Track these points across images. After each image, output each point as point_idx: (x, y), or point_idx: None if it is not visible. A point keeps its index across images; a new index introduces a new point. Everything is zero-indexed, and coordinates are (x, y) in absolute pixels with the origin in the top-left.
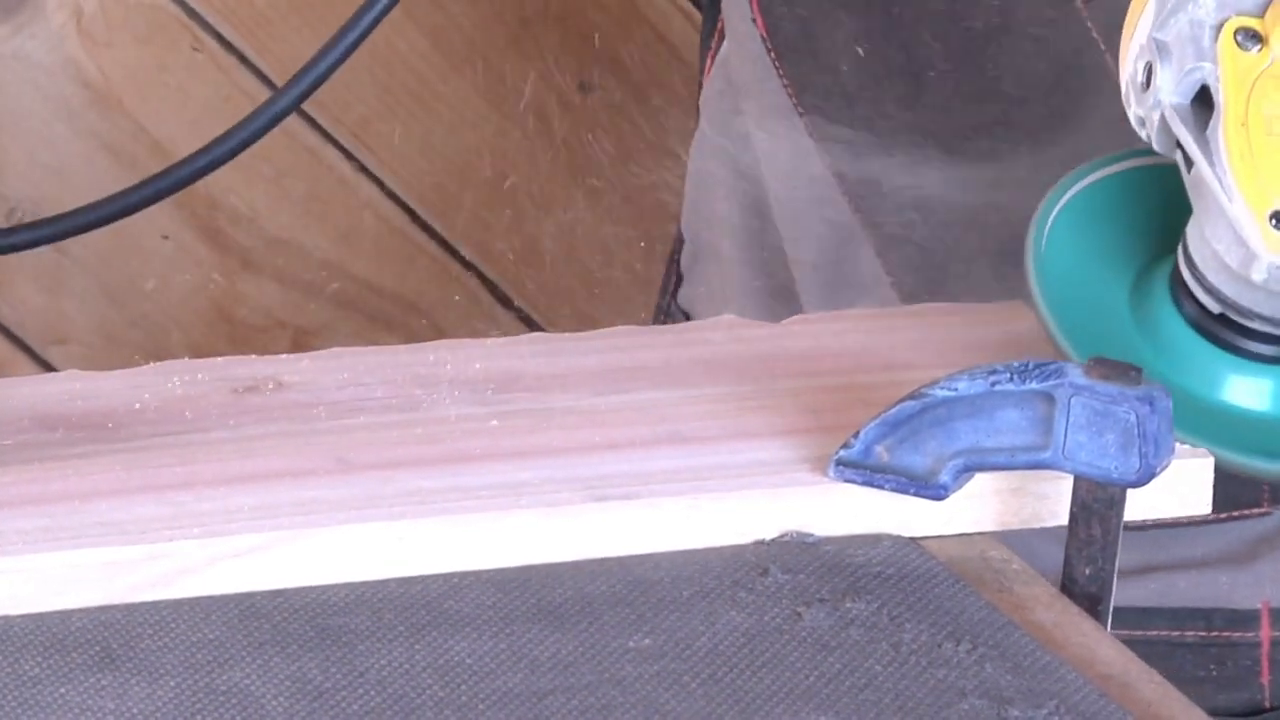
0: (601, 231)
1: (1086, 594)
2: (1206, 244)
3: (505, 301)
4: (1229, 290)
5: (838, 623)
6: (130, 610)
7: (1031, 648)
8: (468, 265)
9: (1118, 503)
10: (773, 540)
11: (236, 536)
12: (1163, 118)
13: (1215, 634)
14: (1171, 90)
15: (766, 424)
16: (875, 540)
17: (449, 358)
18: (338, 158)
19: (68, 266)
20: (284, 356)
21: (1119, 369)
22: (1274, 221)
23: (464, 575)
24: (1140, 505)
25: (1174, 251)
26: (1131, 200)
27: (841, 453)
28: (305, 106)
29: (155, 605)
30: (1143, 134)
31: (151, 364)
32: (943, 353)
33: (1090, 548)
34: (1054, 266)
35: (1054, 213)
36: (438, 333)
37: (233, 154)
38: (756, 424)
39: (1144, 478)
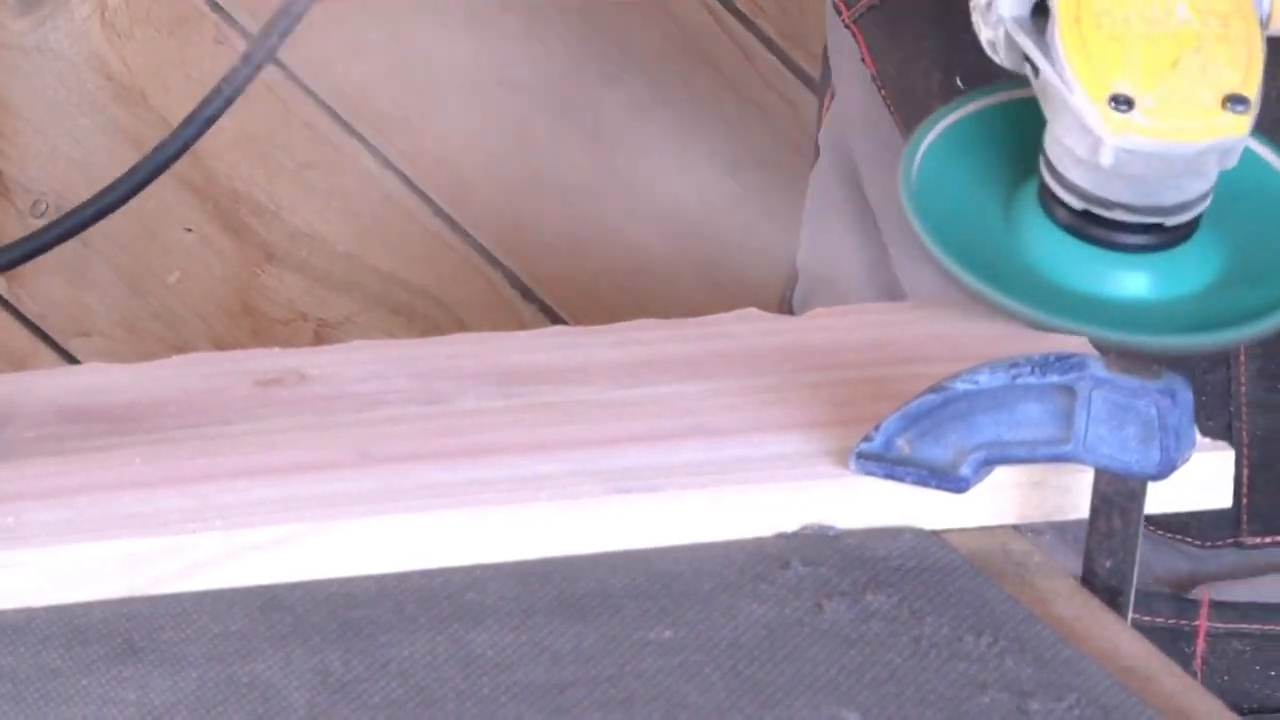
0: (625, 225)
1: (1107, 587)
2: (1059, 142)
3: (528, 295)
4: (1087, 183)
5: (859, 615)
6: (152, 602)
7: (1053, 641)
8: (490, 258)
9: (1138, 496)
10: (794, 533)
11: (258, 529)
12: (1007, 34)
13: None
14: (1011, 6)
15: (788, 417)
16: (896, 533)
17: (471, 351)
18: (361, 150)
19: (91, 259)
20: (306, 349)
21: (1140, 362)
22: (1112, 104)
23: (485, 568)
24: (1161, 498)
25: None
26: (997, 132)
27: (863, 446)
28: (328, 99)
29: (177, 597)
30: (996, 57)
31: (174, 356)
32: (962, 345)
33: (1111, 540)
34: (928, 197)
35: (923, 145)
36: (460, 326)
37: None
38: (778, 417)
39: (1165, 470)
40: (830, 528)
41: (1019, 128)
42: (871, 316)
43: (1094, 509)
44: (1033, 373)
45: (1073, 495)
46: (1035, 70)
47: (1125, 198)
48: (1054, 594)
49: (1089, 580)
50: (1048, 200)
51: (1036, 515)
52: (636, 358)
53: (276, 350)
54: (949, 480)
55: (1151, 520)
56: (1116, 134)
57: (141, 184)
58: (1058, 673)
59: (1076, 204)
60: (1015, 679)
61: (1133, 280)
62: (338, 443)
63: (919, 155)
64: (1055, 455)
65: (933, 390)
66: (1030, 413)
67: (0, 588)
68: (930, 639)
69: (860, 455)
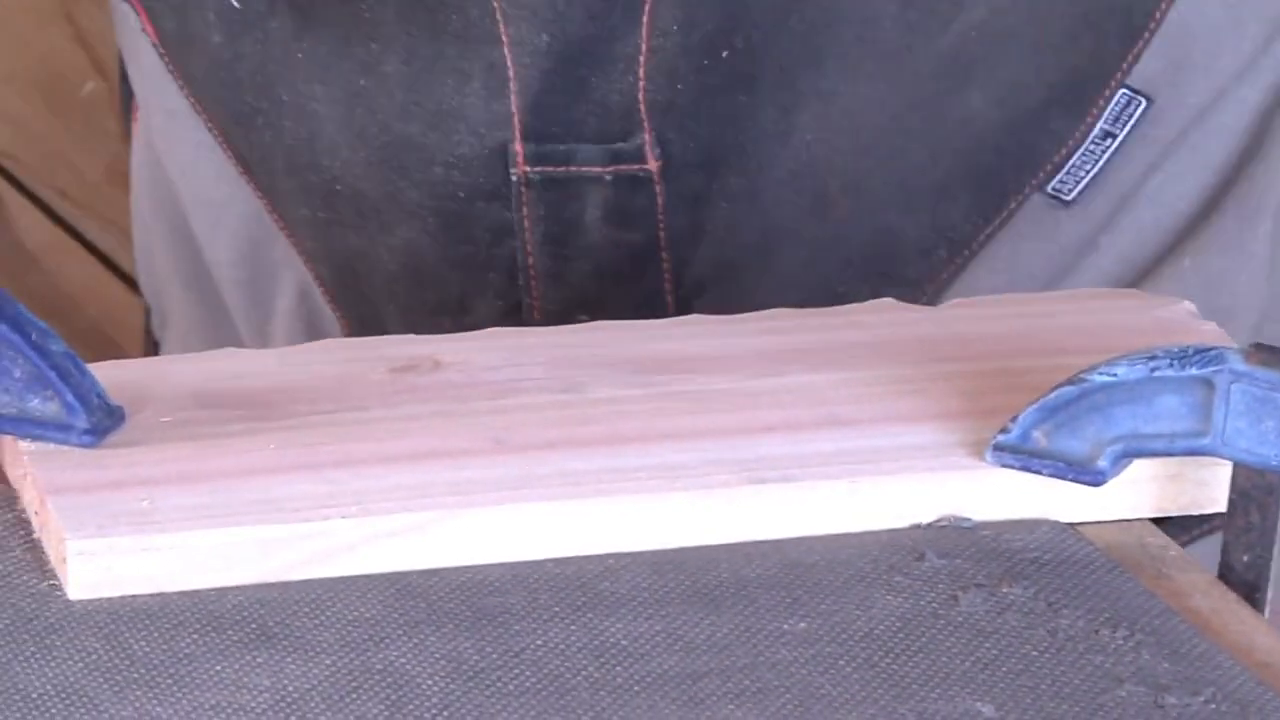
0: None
1: (1244, 581)
2: None
3: None
4: None
5: (994, 608)
6: (286, 588)
7: (1189, 635)
8: None
9: (1277, 490)
10: (929, 524)
11: (392, 515)
12: None
13: None
14: None
15: (923, 407)
16: (1032, 525)
17: (606, 339)
18: None
19: None
20: (441, 336)
21: (1278, 356)
22: None
23: (620, 556)
24: None
25: None
26: None
27: (999, 437)
28: None
29: (310, 583)
30: None
31: (309, 343)
32: (1100, 338)
33: (1248, 535)
34: None
35: None
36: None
37: None
38: (913, 407)
39: None
40: (966, 519)
41: None
42: (1007, 308)
43: (1232, 503)
44: (1171, 365)
45: (1210, 489)
46: None
47: None
48: (1191, 588)
49: (1226, 575)
50: None
51: (1174, 508)
52: (771, 347)
53: (411, 336)
54: (1086, 473)
55: None
56: None
57: None
58: (1194, 667)
59: None
60: (1151, 673)
61: None
62: (472, 430)
63: None
64: (1193, 448)
65: (1070, 382)
66: (1168, 405)
67: (135, 573)
68: (1066, 632)
69: (997, 447)
